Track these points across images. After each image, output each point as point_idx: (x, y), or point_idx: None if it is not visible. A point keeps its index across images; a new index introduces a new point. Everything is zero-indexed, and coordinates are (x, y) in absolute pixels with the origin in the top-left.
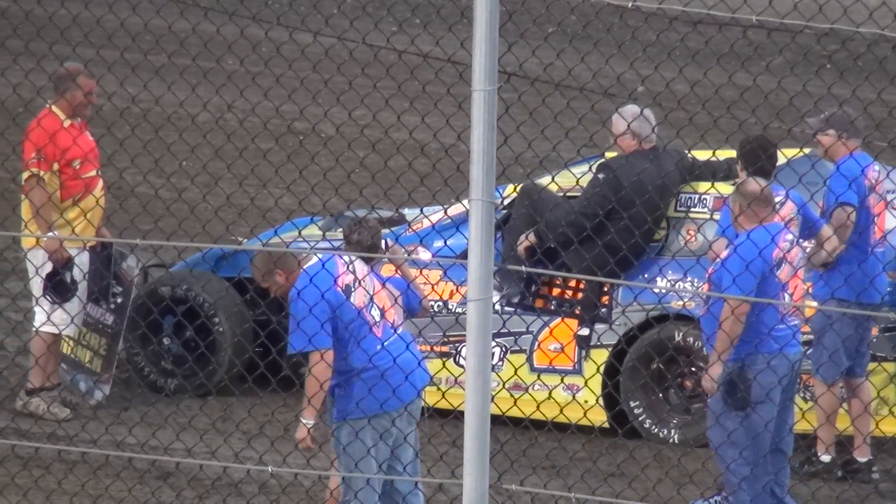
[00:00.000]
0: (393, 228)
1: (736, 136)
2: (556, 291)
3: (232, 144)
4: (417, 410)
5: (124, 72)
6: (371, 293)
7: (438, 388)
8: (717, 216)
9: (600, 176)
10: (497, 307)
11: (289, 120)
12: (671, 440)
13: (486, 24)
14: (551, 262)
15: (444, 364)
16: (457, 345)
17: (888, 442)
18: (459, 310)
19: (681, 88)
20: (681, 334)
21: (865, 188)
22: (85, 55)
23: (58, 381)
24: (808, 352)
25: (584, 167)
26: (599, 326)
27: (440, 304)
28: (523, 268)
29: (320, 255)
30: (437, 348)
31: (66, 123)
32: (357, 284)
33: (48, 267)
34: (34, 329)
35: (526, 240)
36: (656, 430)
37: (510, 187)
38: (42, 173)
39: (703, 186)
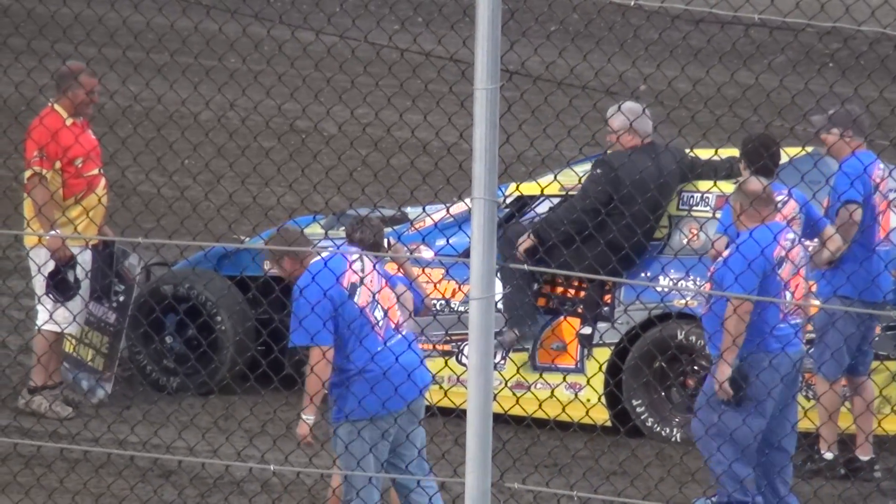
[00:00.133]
0: (395, 227)
1: (738, 135)
2: (558, 290)
3: (234, 143)
4: (420, 410)
5: (126, 70)
6: (375, 293)
7: (441, 387)
8: (719, 214)
9: (597, 171)
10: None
11: (291, 118)
12: (673, 439)
13: (489, 23)
14: (553, 260)
15: (446, 362)
16: (459, 343)
17: (890, 440)
18: (461, 308)
19: (683, 87)
20: (683, 333)
21: (871, 186)
22: (87, 53)
23: (60, 380)
24: (810, 350)
25: (587, 165)
26: (602, 325)
27: (442, 302)
28: (525, 266)
29: (330, 252)
30: (439, 347)
31: (69, 122)
32: (362, 283)
33: (50, 265)
34: (36, 327)
35: (528, 239)
36: (658, 428)
37: (512, 186)
38: (44, 172)
39: (705, 185)
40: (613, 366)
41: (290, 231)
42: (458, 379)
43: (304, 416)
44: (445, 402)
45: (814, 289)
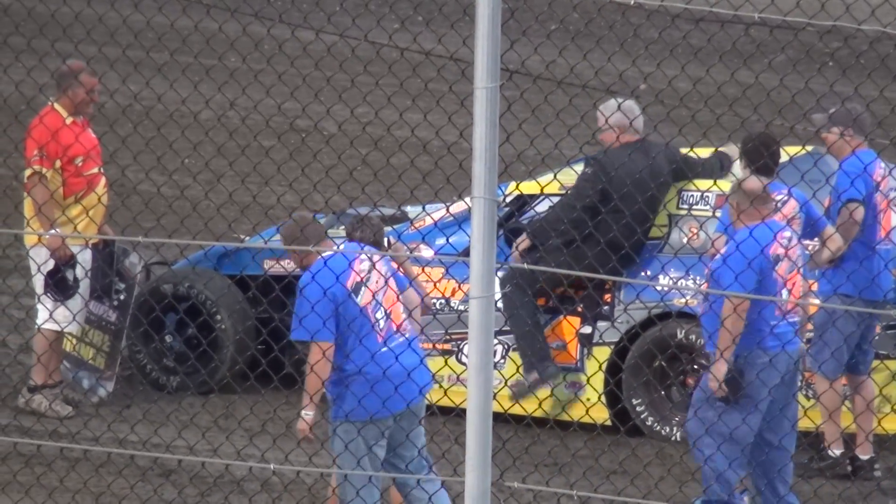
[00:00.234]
0: (395, 226)
1: (738, 134)
2: (558, 289)
3: (234, 142)
4: (420, 411)
5: (126, 69)
6: (377, 294)
7: (441, 386)
8: (718, 213)
9: (587, 170)
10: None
11: (291, 117)
12: (673, 438)
13: (489, 22)
14: (552, 259)
15: (446, 361)
16: (459, 342)
17: (890, 439)
18: (461, 307)
19: (683, 86)
20: (683, 332)
21: (872, 185)
22: (87, 52)
23: (60, 379)
24: (810, 349)
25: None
26: (602, 324)
27: (442, 301)
28: (525, 265)
29: (341, 249)
30: (439, 346)
31: (69, 121)
32: (366, 284)
33: (50, 264)
34: (36, 326)
35: (526, 239)
36: (658, 427)
37: (512, 185)
38: (44, 171)
39: (705, 184)
40: (613, 365)
41: (304, 217)
42: (457, 378)
43: (303, 414)
44: (445, 402)
45: (814, 288)
